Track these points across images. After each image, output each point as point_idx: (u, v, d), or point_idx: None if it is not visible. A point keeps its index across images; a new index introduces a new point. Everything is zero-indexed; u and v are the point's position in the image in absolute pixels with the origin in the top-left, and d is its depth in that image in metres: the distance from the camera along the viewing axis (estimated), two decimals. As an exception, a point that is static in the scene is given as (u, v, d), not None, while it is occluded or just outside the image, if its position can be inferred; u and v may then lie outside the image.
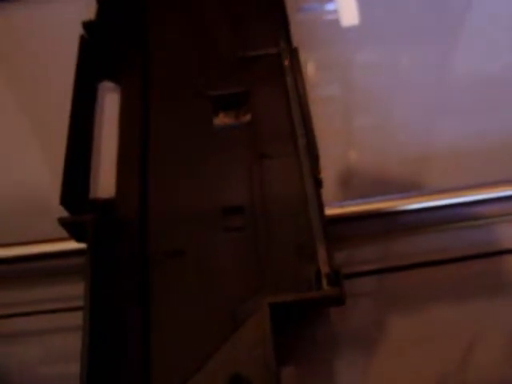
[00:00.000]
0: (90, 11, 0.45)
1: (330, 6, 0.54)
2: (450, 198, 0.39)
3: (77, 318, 0.32)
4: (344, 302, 0.32)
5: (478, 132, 0.45)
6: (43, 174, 0.46)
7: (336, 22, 0.53)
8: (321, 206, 0.35)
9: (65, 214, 0.36)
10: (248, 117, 0.40)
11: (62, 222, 0.35)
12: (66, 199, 0.36)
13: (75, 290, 0.35)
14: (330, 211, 0.37)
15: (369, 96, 0.48)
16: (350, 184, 0.43)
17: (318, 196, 0.35)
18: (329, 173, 0.42)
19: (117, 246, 0.36)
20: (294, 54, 0.41)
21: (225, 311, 0.33)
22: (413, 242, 0.40)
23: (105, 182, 0.41)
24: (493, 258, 0.39)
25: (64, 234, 0.36)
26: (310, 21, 0.53)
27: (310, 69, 0.50)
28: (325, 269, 0.33)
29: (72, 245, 0.38)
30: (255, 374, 0.30)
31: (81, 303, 0.32)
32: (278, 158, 0.38)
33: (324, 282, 0.33)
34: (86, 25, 0.42)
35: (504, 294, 0.38)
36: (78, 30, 0.44)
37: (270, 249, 0.35)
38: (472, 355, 0.35)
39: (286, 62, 0.40)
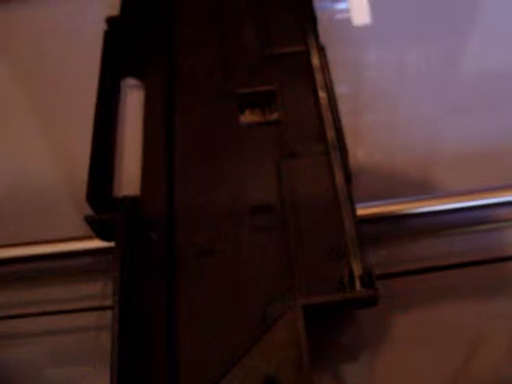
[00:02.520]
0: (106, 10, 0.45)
1: (341, 5, 0.53)
2: (458, 201, 0.39)
3: (82, 319, 0.32)
4: (377, 303, 0.32)
5: (487, 131, 0.45)
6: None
7: (347, 20, 0.52)
8: (353, 205, 0.35)
9: (72, 211, 0.36)
10: (275, 115, 0.39)
11: (89, 220, 0.35)
12: (91, 197, 0.36)
13: (81, 291, 0.36)
14: None
15: (379, 94, 0.47)
16: (358, 182, 0.42)
17: (350, 195, 0.35)
18: None
19: (144, 244, 0.35)
20: (321, 51, 0.40)
21: (255, 312, 0.33)
22: (420, 247, 0.40)
23: (127, 179, 0.40)
24: (501, 264, 0.38)
25: (69, 233, 0.36)
26: (321, 19, 0.53)
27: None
28: (358, 270, 0.32)
29: (78, 245, 0.37)
30: (289, 377, 0.30)
31: (85, 304, 0.32)
32: (305, 157, 0.37)
33: (357, 283, 0.32)
34: (110, 20, 0.42)
35: (509, 298, 0.38)
36: (96, 27, 0.43)
37: (301, 249, 0.34)
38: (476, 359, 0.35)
39: (315, 60, 0.39)
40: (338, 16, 0.53)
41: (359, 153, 0.45)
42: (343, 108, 0.46)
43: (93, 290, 0.39)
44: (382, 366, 0.36)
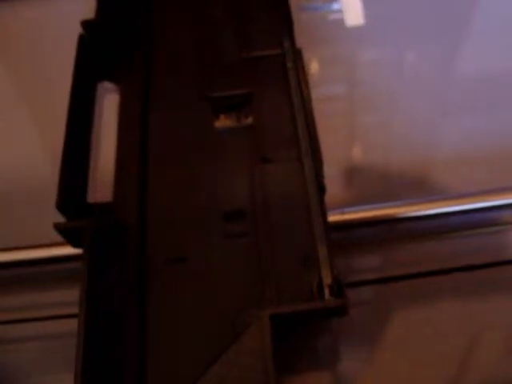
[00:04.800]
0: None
1: (334, 6, 0.53)
2: (454, 205, 0.38)
3: (57, 326, 0.32)
4: (347, 313, 0.32)
5: (485, 131, 0.44)
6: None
7: (340, 21, 0.52)
8: (324, 214, 0.34)
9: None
10: (250, 119, 0.39)
11: (58, 228, 0.34)
12: (62, 204, 0.35)
13: (72, 296, 0.34)
14: (331, 218, 0.36)
15: (374, 94, 0.47)
16: (355, 182, 0.42)
17: (321, 203, 0.34)
18: (333, 171, 0.42)
19: (115, 251, 0.35)
20: (297, 54, 0.40)
21: (225, 320, 0.33)
22: (415, 250, 0.39)
23: (104, 185, 0.40)
24: (499, 268, 0.38)
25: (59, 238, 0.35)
26: (314, 20, 0.52)
27: (314, 67, 0.49)
28: (327, 279, 0.32)
29: (67, 250, 0.37)
30: (255, 386, 0.30)
31: (59, 311, 0.31)
32: (280, 163, 0.37)
33: (326, 292, 0.32)
34: (85, 24, 0.41)
35: (505, 299, 0.37)
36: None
37: (272, 256, 0.34)
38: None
39: (290, 64, 0.39)
40: (333, 16, 0.53)
41: (354, 153, 0.44)
42: (338, 108, 0.46)
43: (66, 297, 0.38)
44: (357, 374, 0.35)
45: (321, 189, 0.36)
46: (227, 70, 0.41)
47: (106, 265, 0.34)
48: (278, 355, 0.31)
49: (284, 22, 0.41)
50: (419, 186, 0.42)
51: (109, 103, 0.43)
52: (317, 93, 0.46)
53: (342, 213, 0.38)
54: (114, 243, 0.35)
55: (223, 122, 0.39)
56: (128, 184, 0.38)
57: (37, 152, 0.47)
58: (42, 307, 0.39)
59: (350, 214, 0.38)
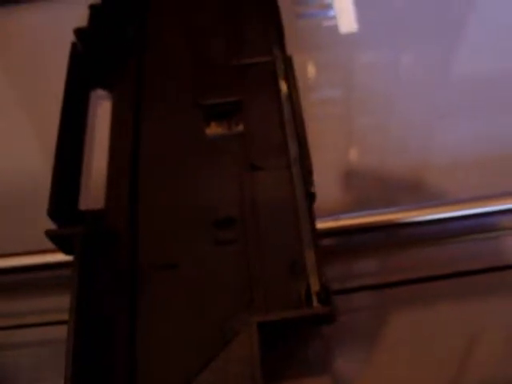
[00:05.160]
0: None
1: (329, 13, 0.53)
2: (452, 211, 0.38)
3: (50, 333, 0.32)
4: (335, 320, 0.32)
5: (481, 134, 0.45)
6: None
7: (335, 27, 0.52)
8: (312, 222, 0.34)
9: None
10: (240, 127, 0.39)
11: (49, 235, 0.35)
12: (53, 211, 0.36)
13: (65, 303, 0.34)
14: (327, 224, 0.36)
15: (370, 98, 0.47)
16: (352, 186, 0.42)
17: (310, 211, 0.35)
18: (330, 175, 0.42)
19: (106, 258, 0.35)
20: (287, 61, 0.40)
21: (214, 327, 0.33)
22: (414, 256, 0.39)
23: (98, 192, 0.40)
24: (496, 273, 0.38)
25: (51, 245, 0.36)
26: (310, 27, 0.53)
27: (310, 72, 0.49)
28: (315, 286, 0.32)
29: (59, 257, 0.37)
30: (243, 394, 0.30)
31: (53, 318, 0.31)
32: (269, 170, 0.37)
33: (314, 299, 0.32)
34: (78, 32, 0.42)
35: (503, 304, 0.37)
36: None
37: (261, 263, 0.34)
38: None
39: (279, 71, 0.39)
40: (329, 23, 0.53)
41: (352, 156, 0.45)
42: (335, 111, 0.46)
43: (58, 303, 0.38)
44: (355, 379, 0.35)
45: (310, 196, 0.36)
46: (218, 78, 0.41)
47: (97, 271, 0.35)
48: (272, 362, 0.31)
49: (274, 30, 0.41)
50: (416, 190, 0.42)
51: (103, 110, 0.43)
52: (313, 97, 0.46)
53: (337, 219, 0.38)
54: (105, 250, 0.35)
55: (214, 130, 0.40)
56: (119, 191, 0.38)
57: (32, 157, 0.47)
58: (34, 314, 0.39)
59: (348, 220, 0.38)
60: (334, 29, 0.52)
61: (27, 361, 0.38)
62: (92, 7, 0.43)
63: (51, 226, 0.36)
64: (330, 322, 0.32)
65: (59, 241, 0.35)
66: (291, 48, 0.44)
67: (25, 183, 0.45)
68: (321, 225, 0.36)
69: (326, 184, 0.42)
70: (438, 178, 0.42)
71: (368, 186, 0.42)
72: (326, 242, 0.39)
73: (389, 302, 0.38)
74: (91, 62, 0.43)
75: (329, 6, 0.53)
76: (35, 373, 0.37)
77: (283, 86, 0.39)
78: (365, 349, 0.36)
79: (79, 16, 0.45)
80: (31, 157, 0.47)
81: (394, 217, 0.38)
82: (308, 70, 0.49)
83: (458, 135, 0.45)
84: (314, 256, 0.33)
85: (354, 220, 0.38)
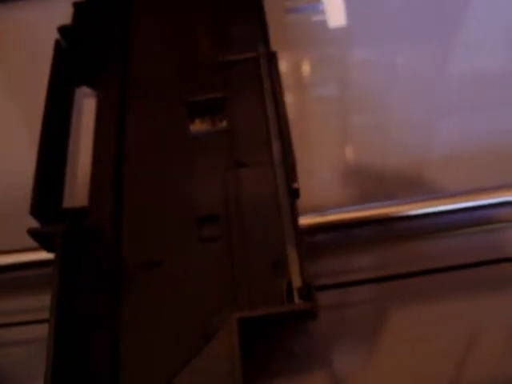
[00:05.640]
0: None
1: (318, 7, 0.53)
2: (446, 204, 0.38)
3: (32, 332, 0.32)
4: (317, 316, 0.32)
5: (477, 131, 0.44)
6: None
7: (325, 22, 0.52)
8: (295, 217, 0.34)
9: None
10: (225, 123, 0.39)
11: (31, 233, 0.35)
12: (36, 209, 0.35)
13: (29, 304, 0.36)
14: (324, 218, 0.37)
15: (365, 95, 0.47)
16: (348, 183, 0.42)
17: (293, 207, 0.34)
18: (326, 172, 0.42)
19: (89, 256, 0.35)
20: (271, 57, 0.40)
21: (197, 325, 0.33)
22: (408, 249, 0.39)
23: (85, 190, 0.40)
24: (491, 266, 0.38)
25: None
26: (299, 22, 0.52)
27: (299, 67, 0.49)
28: (296, 282, 0.32)
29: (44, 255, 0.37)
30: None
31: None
32: (253, 166, 0.37)
33: (295, 295, 0.32)
34: (62, 29, 0.42)
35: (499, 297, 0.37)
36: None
37: (244, 260, 0.34)
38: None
39: (263, 67, 0.39)
40: (316, 17, 0.53)
41: (348, 154, 0.45)
42: (331, 109, 0.46)
43: (43, 302, 0.38)
44: (352, 373, 0.35)
45: (293, 193, 0.36)
46: (203, 75, 0.41)
47: (80, 269, 0.35)
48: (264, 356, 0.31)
49: (259, 26, 0.41)
50: (413, 186, 0.42)
51: (90, 108, 0.43)
52: (301, 93, 0.46)
53: (333, 213, 0.38)
54: (88, 248, 0.35)
55: (198, 126, 0.39)
56: (103, 189, 0.38)
57: (19, 154, 0.47)
58: (19, 312, 0.39)
59: (343, 214, 0.38)
60: (324, 24, 0.52)
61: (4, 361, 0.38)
62: (76, 5, 0.43)
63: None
64: (312, 318, 0.32)
65: (41, 239, 0.35)
66: (279, 43, 0.44)
67: (11, 182, 0.45)
68: (315, 219, 0.36)
69: (323, 180, 0.42)
70: (435, 174, 0.42)
71: (364, 183, 0.42)
72: (321, 236, 0.39)
73: (386, 296, 0.38)
74: (75, 59, 0.42)
75: (318, 0, 0.53)
76: (12, 374, 0.37)
77: (266, 83, 0.39)
78: (361, 343, 0.36)
79: (66, 13, 0.44)
80: (18, 154, 0.47)
81: (389, 210, 0.38)
82: (297, 65, 0.49)
83: (453, 131, 0.45)
84: (295, 252, 0.33)
85: (349, 214, 0.38)
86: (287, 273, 0.33)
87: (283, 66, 0.45)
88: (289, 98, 0.42)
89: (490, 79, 0.47)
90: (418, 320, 0.36)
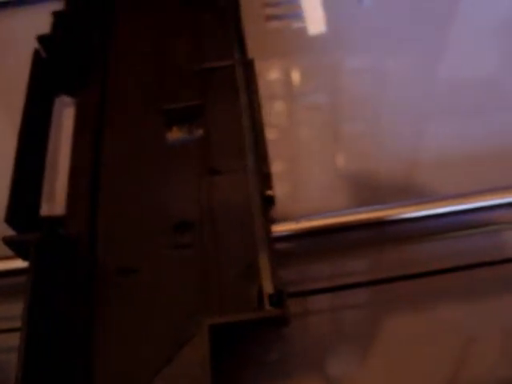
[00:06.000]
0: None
1: (298, 15, 0.53)
2: (438, 207, 0.38)
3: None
4: (288, 323, 0.32)
5: (467, 137, 0.44)
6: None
7: (305, 30, 0.52)
8: (267, 224, 0.34)
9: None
10: (201, 131, 0.39)
11: (6, 241, 0.35)
12: (11, 217, 0.36)
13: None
14: (313, 223, 0.37)
15: (351, 102, 0.47)
16: (340, 191, 0.42)
17: (265, 214, 0.35)
18: (317, 180, 0.43)
19: (65, 264, 0.35)
20: (248, 65, 0.40)
21: (171, 331, 0.33)
22: (402, 253, 0.39)
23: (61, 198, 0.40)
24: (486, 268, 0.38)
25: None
26: (279, 30, 0.52)
27: (278, 75, 0.49)
28: (267, 289, 0.32)
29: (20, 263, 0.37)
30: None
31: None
32: (227, 174, 0.37)
33: (266, 302, 0.32)
34: (41, 39, 0.42)
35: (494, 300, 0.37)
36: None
37: (217, 267, 0.34)
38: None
39: (239, 75, 0.39)
40: (298, 25, 0.53)
41: (340, 161, 0.45)
42: (323, 117, 0.46)
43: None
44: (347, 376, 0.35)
45: (268, 200, 0.36)
46: (180, 83, 0.42)
47: (55, 277, 0.35)
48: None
49: (235, 34, 0.41)
50: (405, 190, 0.42)
51: (70, 117, 0.43)
52: (280, 101, 0.46)
53: (323, 218, 0.38)
54: (63, 256, 0.35)
55: (175, 134, 0.40)
56: (80, 197, 0.38)
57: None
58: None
59: (337, 218, 0.38)
60: (304, 31, 0.52)
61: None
62: (55, 14, 0.43)
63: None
64: (284, 324, 0.32)
65: (16, 247, 0.35)
66: (259, 51, 0.44)
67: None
68: (306, 224, 0.37)
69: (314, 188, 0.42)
70: (426, 179, 0.42)
71: (356, 190, 0.42)
72: (313, 240, 0.39)
73: (380, 299, 0.38)
74: (55, 69, 0.43)
75: (298, 9, 0.53)
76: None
77: (242, 91, 0.39)
78: (354, 347, 0.36)
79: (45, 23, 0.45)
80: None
81: (381, 214, 0.38)
82: (276, 73, 0.49)
83: (444, 137, 0.45)
84: (267, 259, 0.33)
85: (341, 218, 0.38)
86: (259, 280, 0.33)
87: (264, 73, 0.45)
88: (267, 106, 0.43)
89: (480, 83, 0.47)
90: (413, 323, 0.37)
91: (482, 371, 0.35)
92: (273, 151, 0.39)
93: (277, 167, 0.41)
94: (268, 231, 0.34)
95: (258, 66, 0.43)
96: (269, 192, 0.36)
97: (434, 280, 0.38)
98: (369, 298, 0.38)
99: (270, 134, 0.41)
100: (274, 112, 0.45)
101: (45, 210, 0.41)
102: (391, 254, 0.39)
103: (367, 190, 0.42)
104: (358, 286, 0.38)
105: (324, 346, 0.36)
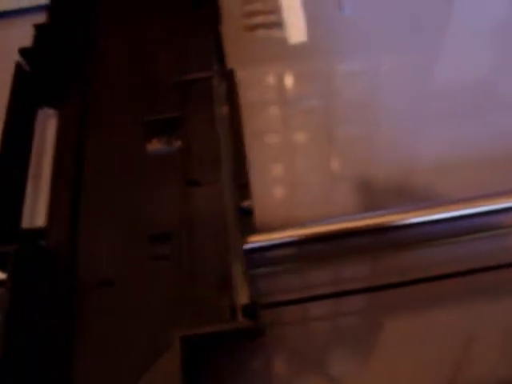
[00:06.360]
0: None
1: (278, 24, 0.53)
2: (433, 214, 0.38)
3: None
4: (262, 335, 0.32)
5: (464, 139, 0.44)
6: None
7: (285, 39, 0.52)
8: (244, 235, 0.35)
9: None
10: (180, 142, 0.39)
11: (-17, 253, 0.35)
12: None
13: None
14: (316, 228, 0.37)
15: (350, 107, 0.47)
16: (335, 196, 0.43)
17: (240, 225, 0.35)
18: (313, 186, 0.43)
19: (44, 276, 0.35)
20: (228, 76, 0.40)
21: (147, 343, 0.33)
22: (400, 259, 0.39)
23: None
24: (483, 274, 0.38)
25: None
26: (259, 39, 0.52)
27: (257, 84, 0.49)
28: (241, 300, 0.32)
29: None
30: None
31: None
32: (205, 185, 0.37)
33: (239, 313, 0.32)
34: (23, 51, 0.42)
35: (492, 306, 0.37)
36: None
37: (192, 278, 0.34)
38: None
39: (217, 86, 0.39)
40: (278, 34, 0.53)
41: (335, 166, 0.45)
42: (316, 121, 0.46)
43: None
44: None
45: (245, 211, 0.36)
46: (160, 94, 0.42)
47: (34, 289, 0.35)
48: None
49: (214, 45, 0.42)
50: (398, 197, 0.42)
51: (53, 129, 0.44)
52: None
53: (326, 223, 0.38)
54: (43, 268, 0.36)
55: (155, 146, 0.40)
56: (61, 209, 0.38)
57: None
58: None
59: (336, 225, 0.38)
60: (284, 40, 0.52)
61: None
62: (37, 27, 0.43)
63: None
64: (257, 336, 0.32)
65: (-5, 259, 0.36)
66: (239, 60, 0.44)
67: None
68: (308, 230, 0.37)
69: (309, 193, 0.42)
70: (422, 182, 0.42)
71: (351, 195, 0.42)
72: (316, 246, 0.39)
73: (380, 305, 0.38)
74: (37, 81, 0.43)
75: (278, 18, 0.53)
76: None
77: (220, 102, 0.39)
78: (356, 353, 0.36)
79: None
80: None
81: (379, 220, 0.38)
82: (255, 82, 0.49)
83: (440, 140, 0.44)
84: (241, 271, 0.33)
85: (341, 224, 0.38)
86: (233, 291, 0.33)
87: (243, 82, 0.45)
88: (248, 114, 0.43)
89: (476, 85, 0.47)
90: (413, 329, 0.36)
91: (481, 373, 0.35)
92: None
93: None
94: (243, 242, 0.34)
95: (239, 74, 0.43)
96: (246, 203, 0.36)
97: (433, 286, 0.38)
98: (366, 304, 0.38)
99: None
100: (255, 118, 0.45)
101: (27, 222, 0.41)
102: (389, 261, 0.39)
103: (363, 194, 0.42)
104: (356, 293, 0.38)
105: (322, 351, 0.36)
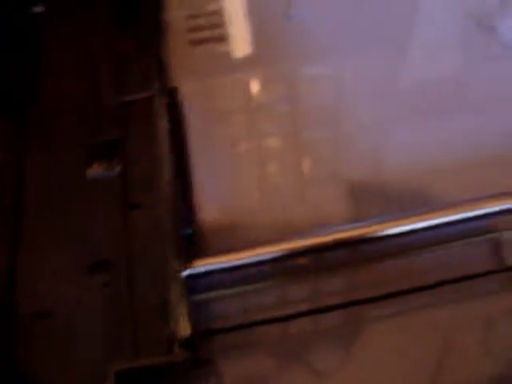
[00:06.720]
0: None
1: (224, 38, 0.51)
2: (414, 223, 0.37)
3: None
4: (201, 366, 0.31)
5: (431, 139, 0.43)
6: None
7: (231, 52, 0.51)
8: (182, 260, 0.33)
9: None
10: (121, 166, 0.38)
11: None
12: None
13: None
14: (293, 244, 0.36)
15: (318, 111, 0.46)
16: (306, 199, 0.42)
17: (181, 251, 0.33)
18: (284, 189, 0.42)
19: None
20: (171, 94, 0.39)
21: (87, 377, 0.31)
22: (379, 271, 0.38)
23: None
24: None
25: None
26: (205, 53, 0.51)
27: (204, 98, 0.48)
28: (179, 330, 0.31)
29: None
30: None
31: None
32: (146, 209, 0.36)
33: (176, 345, 0.30)
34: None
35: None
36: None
37: (132, 307, 0.33)
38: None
39: (157, 105, 0.38)
40: (224, 48, 0.52)
41: (306, 170, 0.44)
42: (283, 125, 0.45)
43: None
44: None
45: (187, 235, 0.35)
46: (101, 117, 0.41)
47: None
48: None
49: (156, 63, 0.40)
50: (373, 197, 0.41)
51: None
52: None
53: (307, 237, 0.37)
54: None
55: (96, 170, 0.39)
56: (0, 237, 0.37)
57: None
58: None
59: (318, 238, 0.37)
60: (229, 53, 0.50)
61: None
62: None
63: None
64: (195, 368, 0.30)
65: None
66: (185, 75, 0.43)
67: None
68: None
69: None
70: (394, 183, 0.41)
71: (322, 198, 0.41)
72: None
73: (360, 318, 0.37)
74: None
75: (224, 32, 0.52)
76: None
77: (161, 122, 0.38)
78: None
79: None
80: None
81: (359, 232, 0.37)
82: (201, 96, 0.48)
83: (408, 141, 0.44)
84: (180, 299, 0.32)
85: (322, 238, 0.37)
86: (170, 321, 0.32)
87: (190, 96, 0.44)
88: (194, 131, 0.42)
89: (442, 84, 0.46)
90: (391, 341, 0.36)
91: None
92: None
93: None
94: (184, 267, 0.33)
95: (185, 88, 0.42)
96: (189, 227, 0.34)
97: (406, 298, 0.37)
98: (345, 319, 0.37)
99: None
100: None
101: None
102: (363, 274, 0.38)
103: (336, 197, 0.41)
104: (336, 308, 0.37)
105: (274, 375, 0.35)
